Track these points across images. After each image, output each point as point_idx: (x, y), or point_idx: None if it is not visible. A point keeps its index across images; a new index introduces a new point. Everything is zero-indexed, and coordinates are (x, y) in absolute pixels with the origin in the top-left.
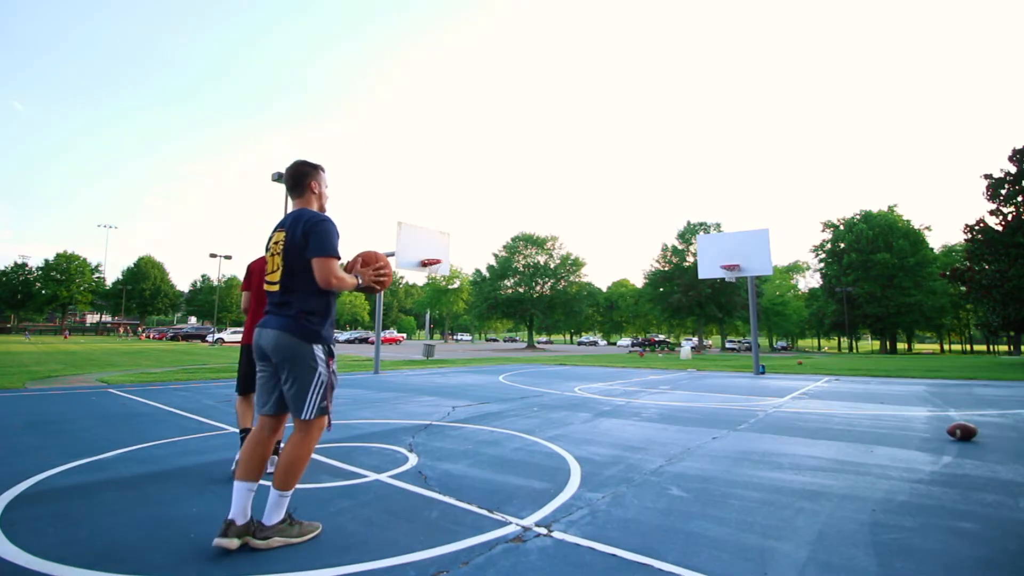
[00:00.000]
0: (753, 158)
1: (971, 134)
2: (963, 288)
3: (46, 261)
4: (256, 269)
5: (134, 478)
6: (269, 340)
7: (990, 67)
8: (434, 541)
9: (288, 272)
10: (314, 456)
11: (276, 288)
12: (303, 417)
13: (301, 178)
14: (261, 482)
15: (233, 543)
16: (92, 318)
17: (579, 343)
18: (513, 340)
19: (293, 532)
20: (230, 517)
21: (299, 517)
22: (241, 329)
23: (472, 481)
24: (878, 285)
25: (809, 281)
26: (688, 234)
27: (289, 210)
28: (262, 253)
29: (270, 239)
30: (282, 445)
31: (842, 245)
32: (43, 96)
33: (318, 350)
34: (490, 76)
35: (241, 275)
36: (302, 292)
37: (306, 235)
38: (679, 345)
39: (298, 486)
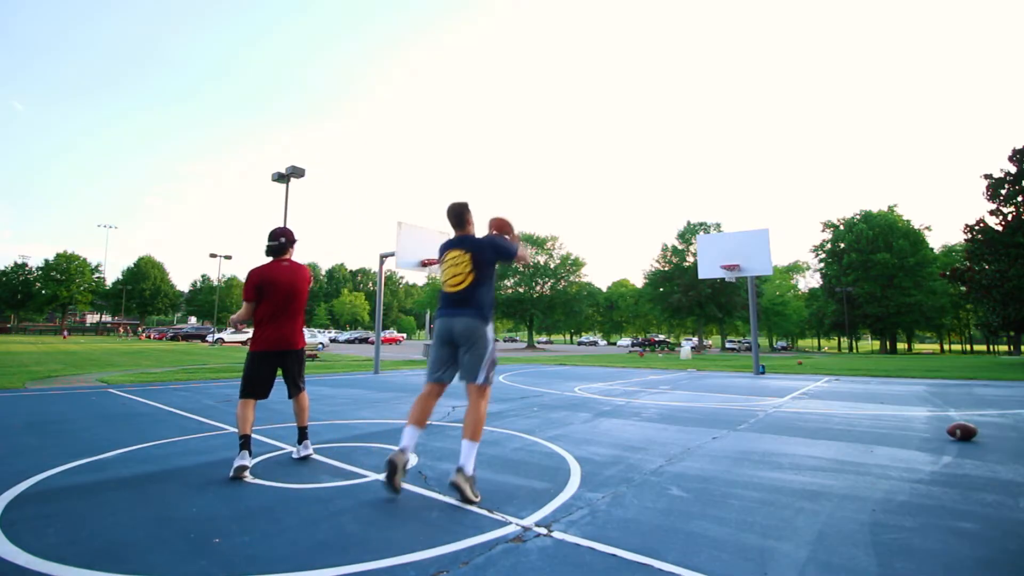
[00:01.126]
0: (753, 158)
1: (971, 134)
2: (963, 288)
3: (46, 261)
4: (272, 280)
5: (134, 478)
6: (462, 324)
7: (990, 67)
8: (434, 541)
9: (478, 277)
10: (314, 456)
11: (460, 288)
12: (478, 382)
13: (462, 215)
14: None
15: (402, 459)
16: (92, 318)
17: (579, 343)
18: (513, 340)
19: (472, 489)
20: (402, 446)
21: (299, 517)
22: (248, 330)
23: None
24: (878, 285)
25: (809, 281)
26: (688, 234)
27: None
28: (264, 259)
29: (445, 254)
30: (306, 443)
31: (842, 245)
32: (43, 96)
33: (490, 330)
34: (490, 76)
35: (241, 275)
36: (481, 290)
37: (494, 248)
38: (679, 345)
39: (298, 486)
